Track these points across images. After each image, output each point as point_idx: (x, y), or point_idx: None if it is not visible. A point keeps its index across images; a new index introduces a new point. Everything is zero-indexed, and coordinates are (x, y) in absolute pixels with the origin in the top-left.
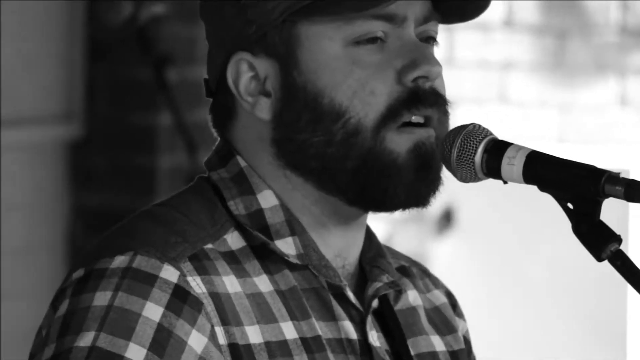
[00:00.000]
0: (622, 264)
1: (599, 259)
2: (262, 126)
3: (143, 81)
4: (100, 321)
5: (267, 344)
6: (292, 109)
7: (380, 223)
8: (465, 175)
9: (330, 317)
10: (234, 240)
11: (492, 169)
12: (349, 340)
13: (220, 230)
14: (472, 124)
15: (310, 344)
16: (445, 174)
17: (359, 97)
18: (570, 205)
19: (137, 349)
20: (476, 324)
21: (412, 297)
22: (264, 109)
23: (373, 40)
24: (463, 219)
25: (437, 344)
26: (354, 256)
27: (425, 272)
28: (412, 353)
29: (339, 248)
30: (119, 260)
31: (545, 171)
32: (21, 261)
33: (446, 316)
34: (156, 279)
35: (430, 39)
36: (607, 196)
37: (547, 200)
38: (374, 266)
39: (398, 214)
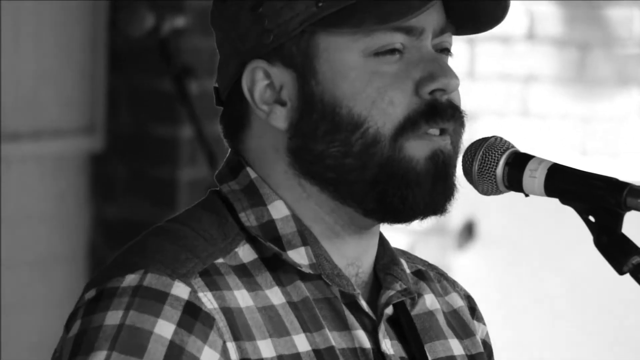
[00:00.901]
0: None
1: (621, 272)
2: (277, 135)
3: (164, 93)
4: (112, 340)
5: (280, 357)
6: (310, 119)
7: (401, 235)
8: (487, 188)
9: (343, 326)
10: (245, 253)
11: (514, 182)
12: (363, 350)
13: (232, 243)
14: (493, 136)
15: (324, 355)
16: (466, 186)
17: (378, 106)
18: (591, 218)
19: None
20: (497, 338)
21: (430, 301)
22: (280, 118)
23: (392, 51)
24: (484, 232)
25: (456, 347)
26: (368, 264)
27: (442, 275)
28: (430, 358)
29: (352, 256)
30: (130, 279)
31: (566, 184)
32: (42, 272)
33: (464, 319)
34: (167, 296)
35: (445, 50)
36: (629, 209)
37: (570, 213)
38: (388, 274)
39: (416, 224)
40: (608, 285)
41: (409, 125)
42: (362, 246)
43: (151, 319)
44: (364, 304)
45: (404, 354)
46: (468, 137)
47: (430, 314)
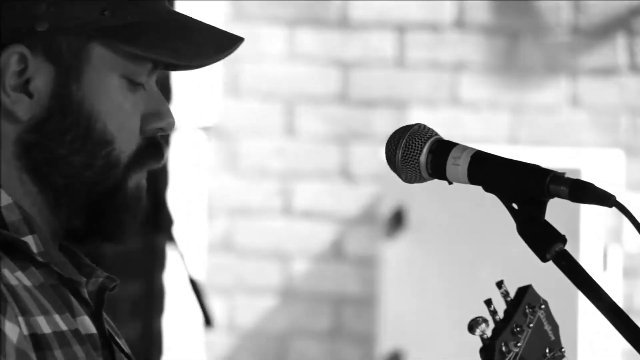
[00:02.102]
0: (566, 264)
1: (544, 259)
2: (6, 123)
3: None
4: None
5: (55, 334)
6: (61, 121)
7: (329, 226)
8: (410, 175)
9: (71, 311)
10: None
11: (437, 170)
12: (89, 335)
13: None
14: (417, 124)
15: (78, 337)
16: (393, 174)
17: (123, 133)
18: (515, 206)
19: None
20: (428, 326)
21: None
22: (23, 109)
23: (139, 83)
24: (414, 220)
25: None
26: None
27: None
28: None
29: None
30: None
31: (489, 171)
32: None
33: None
34: None
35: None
36: (552, 196)
37: (498, 201)
38: (80, 265)
39: (345, 212)
40: (541, 272)
41: (138, 161)
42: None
43: None
44: (85, 292)
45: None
46: (397, 126)
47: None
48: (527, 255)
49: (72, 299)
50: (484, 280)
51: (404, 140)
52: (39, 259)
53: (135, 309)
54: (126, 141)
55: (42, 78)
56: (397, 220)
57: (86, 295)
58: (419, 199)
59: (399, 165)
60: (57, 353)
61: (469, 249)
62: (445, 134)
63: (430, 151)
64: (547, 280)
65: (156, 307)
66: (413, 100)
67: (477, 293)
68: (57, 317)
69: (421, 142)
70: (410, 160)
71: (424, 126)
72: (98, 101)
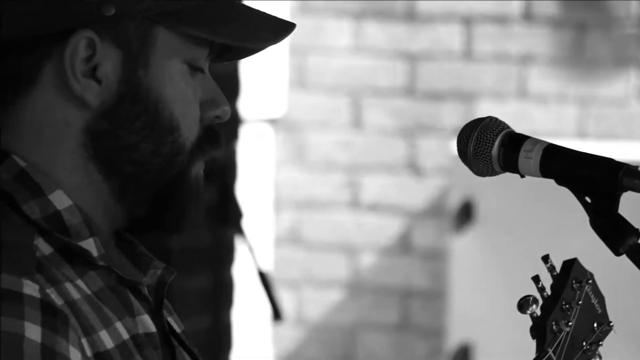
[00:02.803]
0: None
1: (617, 253)
2: (74, 110)
3: None
4: None
5: (117, 347)
6: (130, 108)
7: (396, 219)
8: (482, 169)
9: (131, 313)
10: (42, 245)
11: (509, 163)
12: (148, 335)
13: (29, 237)
14: (488, 117)
15: (138, 341)
16: (463, 167)
17: (187, 119)
18: (588, 199)
19: None
20: (498, 319)
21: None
22: (93, 95)
23: (200, 69)
24: (482, 213)
25: (177, 321)
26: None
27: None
28: (177, 331)
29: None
30: None
31: (562, 165)
32: None
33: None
34: (22, 297)
35: None
36: (625, 189)
37: (569, 193)
38: (137, 255)
39: (411, 206)
40: (609, 265)
41: (198, 149)
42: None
43: (17, 322)
44: (146, 291)
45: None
46: (465, 118)
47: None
48: (597, 249)
49: (132, 298)
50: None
51: (476, 134)
52: (100, 263)
53: (205, 302)
54: (189, 128)
55: (110, 64)
56: (465, 214)
57: (145, 292)
58: (487, 192)
59: (470, 158)
60: None
61: (537, 242)
62: (513, 127)
63: (501, 144)
64: (618, 274)
65: (225, 300)
66: (480, 93)
67: (546, 284)
68: (118, 324)
69: (493, 135)
70: (482, 154)
71: (496, 119)
72: (164, 87)
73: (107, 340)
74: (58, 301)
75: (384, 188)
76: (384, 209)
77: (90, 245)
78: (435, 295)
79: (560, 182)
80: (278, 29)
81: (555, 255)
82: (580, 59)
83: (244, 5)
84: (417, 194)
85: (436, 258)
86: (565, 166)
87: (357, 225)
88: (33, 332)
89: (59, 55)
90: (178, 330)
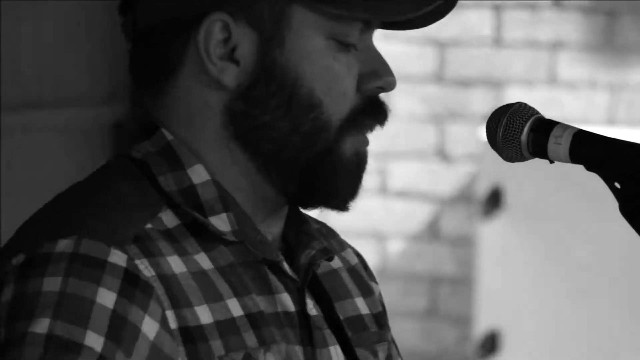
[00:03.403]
0: None
1: None
2: (214, 91)
3: None
4: (54, 308)
5: (217, 323)
6: (266, 87)
7: (425, 205)
8: (511, 154)
9: (267, 290)
10: (168, 218)
11: (539, 149)
12: (287, 313)
13: (155, 209)
14: (518, 103)
15: (257, 319)
16: (492, 153)
17: (332, 95)
18: (617, 185)
19: (95, 337)
20: (526, 306)
21: (335, 259)
22: (230, 77)
23: (352, 44)
24: (511, 200)
25: (362, 306)
26: (279, 228)
27: (334, 232)
28: (341, 318)
29: (267, 223)
30: (64, 244)
31: (592, 150)
32: None
33: (362, 277)
34: (105, 264)
35: None
36: None
37: (598, 180)
38: (302, 233)
39: (440, 192)
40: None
41: (351, 120)
42: (278, 215)
43: (92, 287)
44: (287, 267)
45: (320, 314)
46: (495, 105)
47: (335, 272)
48: (627, 235)
49: (271, 275)
50: (581, 260)
51: (505, 119)
52: (230, 238)
53: None
54: (336, 104)
55: (246, 45)
56: (494, 200)
57: (288, 270)
58: (516, 179)
59: (499, 144)
60: (215, 344)
61: (566, 228)
62: (543, 113)
63: (531, 130)
64: None
65: None
66: (510, 80)
67: (573, 273)
68: (231, 301)
69: (522, 121)
70: (511, 139)
71: (525, 105)
72: (302, 65)
73: (203, 316)
74: (147, 273)
75: (412, 174)
76: (413, 196)
77: (221, 220)
78: (463, 282)
79: (589, 168)
80: (422, 2)
81: (584, 242)
82: (611, 45)
83: None
84: (446, 180)
85: (465, 245)
86: (595, 152)
87: (386, 211)
88: (106, 298)
89: (195, 40)
90: (342, 316)
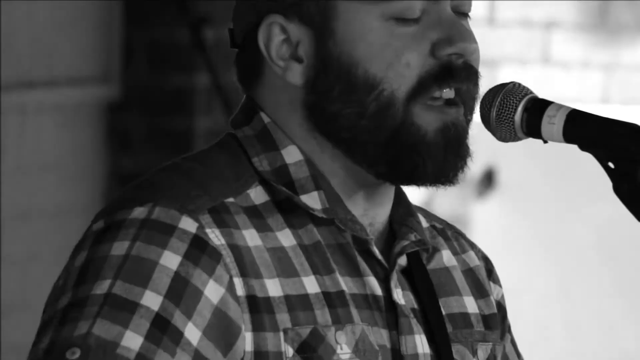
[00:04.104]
0: None
1: None
2: (292, 89)
3: (180, 42)
4: (116, 269)
5: (287, 297)
6: (325, 79)
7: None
8: (505, 134)
9: (355, 272)
10: (257, 194)
11: (532, 128)
12: (374, 296)
13: (244, 185)
14: (511, 82)
15: (333, 298)
16: (485, 133)
17: (394, 68)
18: (611, 165)
19: (154, 296)
20: (520, 286)
21: (446, 257)
22: (296, 74)
23: (413, 19)
24: (504, 180)
25: (470, 305)
26: (383, 216)
27: (460, 234)
28: (444, 313)
29: (365, 208)
30: (138, 212)
31: (585, 130)
32: (56, 222)
33: (480, 279)
34: (174, 229)
35: (464, 15)
36: None
37: (591, 159)
38: (403, 224)
39: (426, 188)
40: (634, 231)
41: (421, 88)
42: (376, 199)
43: (157, 250)
44: (376, 251)
45: (415, 306)
46: (489, 85)
47: (447, 270)
48: (620, 214)
49: (360, 259)
50: (576, 238)
51: (499, 99)
52: (320, 215)
53: None
54: (400, 76)
55: (304, 42)
56: (487, 181)
57: (376, 254)
58: (509, 159)
59: (493, 124)
60: (282, 316)
61: (560, 208)
62: (536, 93)
63: (525, 110)
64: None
65: None
66: (504, 59)
67: (568, 252)
68: (307, 278)
69: (516, 100)
70: (504, 119)
71: (519, 84)
72: (354, 50)
73: (272, 288)
74: (216, 241)
75: None
76: None
77: (312, 198)
78: None
79: (583, 147)
80: None
81: (578, 221)
82: (605, 25)
83: None
84: None
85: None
86: (588, 131)
87: None
88: (170, 260)
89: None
90: (445, 312)
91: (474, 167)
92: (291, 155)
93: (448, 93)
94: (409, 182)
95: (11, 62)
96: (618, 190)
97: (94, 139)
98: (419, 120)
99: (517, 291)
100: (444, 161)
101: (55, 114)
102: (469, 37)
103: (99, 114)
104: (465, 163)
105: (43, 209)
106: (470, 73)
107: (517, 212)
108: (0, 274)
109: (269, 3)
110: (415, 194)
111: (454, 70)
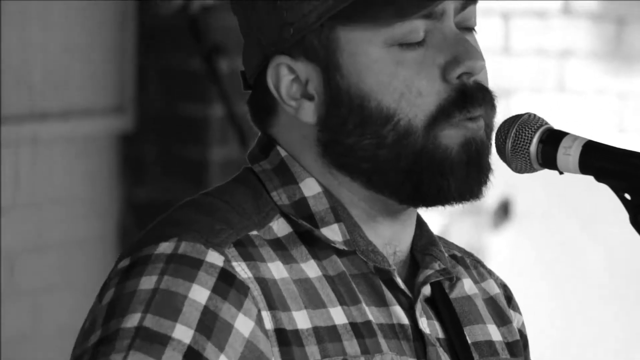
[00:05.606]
0: None
1: None
2: (306, 128)
3: (194, 72)
4: (146, 303)
5: (316, 329)
6: (338, 113)
7: (435, 216)
8: (521, 165)
9: (381, 302)
10: (280, 227)
11: (548, 160)
12: (401, 326)
13: (266, 218)
14: (527, 113)
15: (361, 329)
16: (500, 164)
17: (406, 98)
18: (627, 196)
19: (185, 329)
20: (537, 315)
21: (468, 285)
22: (308, 113)
23: (416, 42)
24: (520, 210)
25: (494, 333)
26: (405, 244)
27: (479, 262)
28: (469, 341)
29: (388, 237)
30: (164, 247)
31: (601, 161)
32: (72, 254)
33: (501, 307)
34: (202, 263)
35: (469, 29)
36: None
37: (607, 189)
38: (426, 254)
39: (452, 207)
40: None
41: (442, 115)
42: (398, 227)
43: (186, 284)
44: (399, 280)
45: (440, 335)
46: (503, 114)
47: (469, 298)
48: (634, 244)
49: (385, 289)
50: (591, 269)
51: (514, 130)
52: (342, 247)
53: None
54: (412, 106)
55: (313, 79)
56: (503, 211)
57: (400, 284)
58: (525, 190)
59: (509, 155)
60: (311, 349)
61: (575, 238)
62: (551, 122)
63: (540, 141)
64: None
65: None
66: (518, 88)
67: (583, 282)
68: (334, 309)
69: (531, 131)
70: (520, 150)
71: (534, 115)
72: (362, 82)
73: (301, 321)
74: (243, 274)
75: None
76: None
77: (332, 230)
78: None
79: (599, 178)
80: None
81: (593, 251)
82: (620, 53)
83: None
84: None
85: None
86: (604, 162)
87: None
88: (199, 294)
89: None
90: (470, 340)
91: (490, 198)
92: (310, 187)
93: (467, 116)
94: (434, 204)
95: (24, 94)
96: (635, 221)
97: (107, 170)
98: (444, 141)
99: (534, 320)
100: (467, 177)
101: (69, 144)
102: (475, 54)
103: (113, 144)
104: (488, 177)
105: (57, 241)
106: (486, 95)
107: (532, 242)
108: (13, 306)
109: (272, 42)
110: (430, 224)
111: (470, 94)
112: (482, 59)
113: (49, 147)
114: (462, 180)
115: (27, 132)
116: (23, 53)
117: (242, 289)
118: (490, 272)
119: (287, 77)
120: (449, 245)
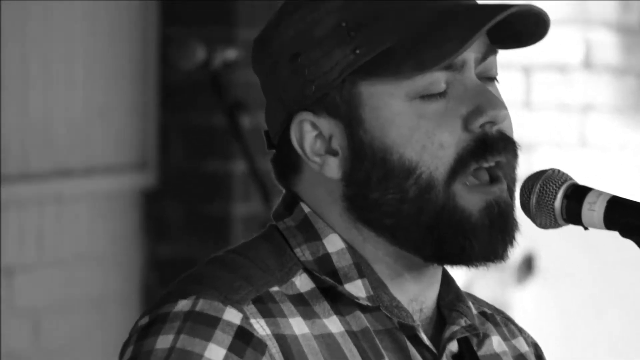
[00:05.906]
0: None
1: None
2: (331, 183)
3: (216, 128)
4: None
5: None
6: (361, 168)
7: (459, 271)
8: (545, 221)
9: (405, 358)
10: (302, 282)
11: (573, 215)
12: None
13: (289, 273)
14: (551, 169)
15: None
16: (524, 219)
17: (428, 151)
18: None
19: None
20: None
21: (497, 343)
22: (333, 169)
23: (438, 93)
24: (544, 266)
25: None
26: (431, 300)
27: (509, 320)
28: None
29: (414, 293)
30: (182, 304)
31: (626, 217)
32: (95, 312)
33: None
34: (219, 321)
35: (490, 79)
36: None
37: (631, 244)
38: (453, 310)
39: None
40: None
41: (459, 166)
42: (424, 283)
43: (202, 343)
44: (423, 336)
45: None
46: (525, 168)
47: (497, 356)
48: None
49: (409, 345)
50: (615, 325)
51: (538, 186)
52: (365, 303)
53: None
54: (434, 158)
55: (336, 134)
56: (527, 266)
57: (424, 339)
58: (549, 245)
59: (533, 211)
60: None
61: (599, 294)
62: (574, 177)
63: (565, 196)
64: None
65: None
66: (540, 143)
67: (607, 339)
68: None
69: (555, 187)
70: (544, 206)
71: (558, 171)
72: (385, 136)
73: None
74: (261, 331)
75: None
76: None
77: (356, 286)
78: None
79: (624, 234)
80: (485, 17)
81: (618, 307)
82: None
83: (427, 8)
84: None
85: None
86: (630, 218)
87: None
88: (215, 353)
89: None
90: None
91: (513, 253)
92: (333, 243)
93: (487, 165)
94: (458, 263)
95: (48, 151)
96: None
97: (131, 227)
98: (462, 202)
99: None
100: (491, 241)
101: (92, 202)
102: (498, 103)
103: (136, 201)
104: (513, 237)
105: (81, 299)
106: (507, 143)
107: (556, 298)
108: None
109: (294, 100)
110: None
111: (490, 142)
112: (505, 108)
113: (72, 204)
114: (486, 242)
115: (52, 189)
116: (46, 112)
117: (260, 347)
118: (521, 330)
119: (310, 133)
120: (479, 302)
